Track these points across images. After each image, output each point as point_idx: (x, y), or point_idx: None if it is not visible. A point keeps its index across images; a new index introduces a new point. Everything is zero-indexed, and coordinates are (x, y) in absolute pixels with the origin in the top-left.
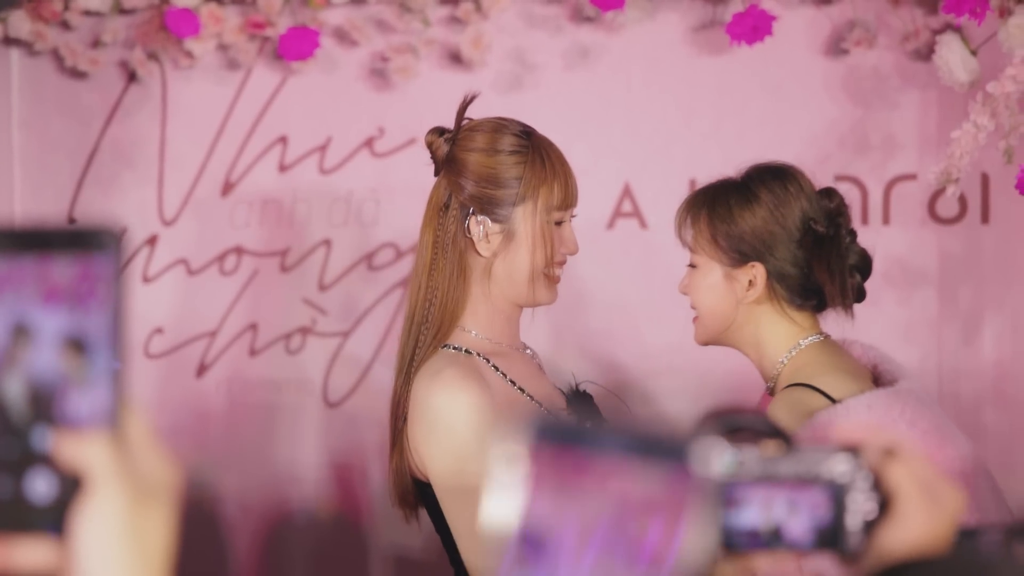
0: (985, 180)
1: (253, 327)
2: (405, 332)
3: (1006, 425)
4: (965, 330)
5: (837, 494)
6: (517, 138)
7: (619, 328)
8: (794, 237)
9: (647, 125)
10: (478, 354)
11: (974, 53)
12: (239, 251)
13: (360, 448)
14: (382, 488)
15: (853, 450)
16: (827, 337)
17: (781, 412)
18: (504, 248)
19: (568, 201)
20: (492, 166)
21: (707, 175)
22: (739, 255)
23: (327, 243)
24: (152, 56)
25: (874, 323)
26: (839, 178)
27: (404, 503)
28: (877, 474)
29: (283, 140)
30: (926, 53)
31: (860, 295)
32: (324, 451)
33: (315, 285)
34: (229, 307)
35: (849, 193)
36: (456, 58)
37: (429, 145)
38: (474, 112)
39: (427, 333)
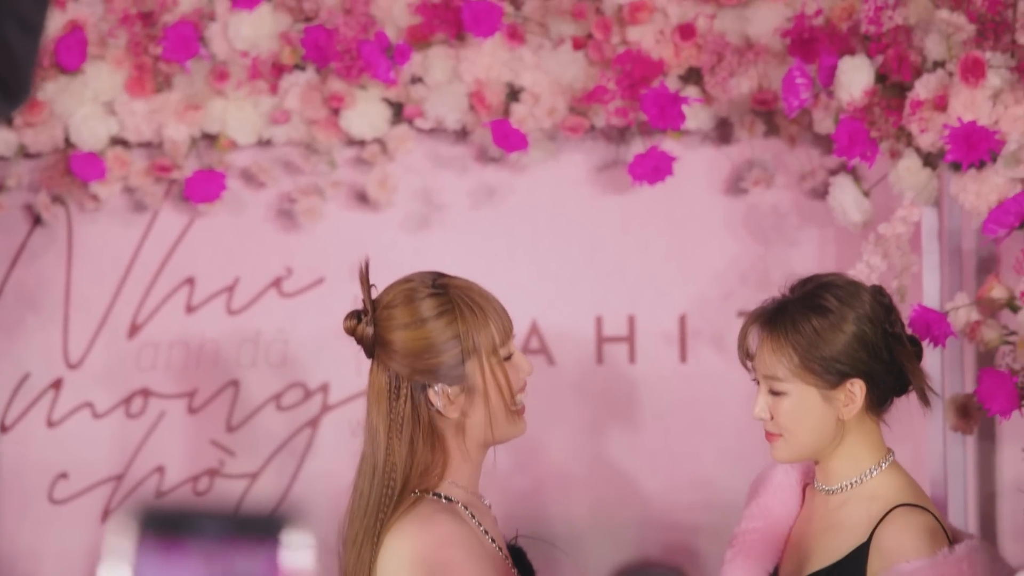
0: None
1: (160, 470)
2: (360, 509)
3: None
4: None
5: None
6: (435, 298)
7: (529, 465)
8: (881, 343)
9: (553, 263)
10: (458, 501)
11: (867, 194)
12: (145, 393)
13: None
14: None
15: None
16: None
17: (909, 532)
18: (470, 403)
19: (507, 333)
20: (426, 337)
21: (613, 311)
22: (835, 376)
23: (235, 384)
24: (57, 199)
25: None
26: (742, 314)
27: None
28: None
29: (190, 281)
30: (823, 192)
31: None
32: None
33: (223, 426)
34: (135, 450)
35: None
36: (363, 198)
37: (351, 332)
38: (382, 253)
39: (389, 506)
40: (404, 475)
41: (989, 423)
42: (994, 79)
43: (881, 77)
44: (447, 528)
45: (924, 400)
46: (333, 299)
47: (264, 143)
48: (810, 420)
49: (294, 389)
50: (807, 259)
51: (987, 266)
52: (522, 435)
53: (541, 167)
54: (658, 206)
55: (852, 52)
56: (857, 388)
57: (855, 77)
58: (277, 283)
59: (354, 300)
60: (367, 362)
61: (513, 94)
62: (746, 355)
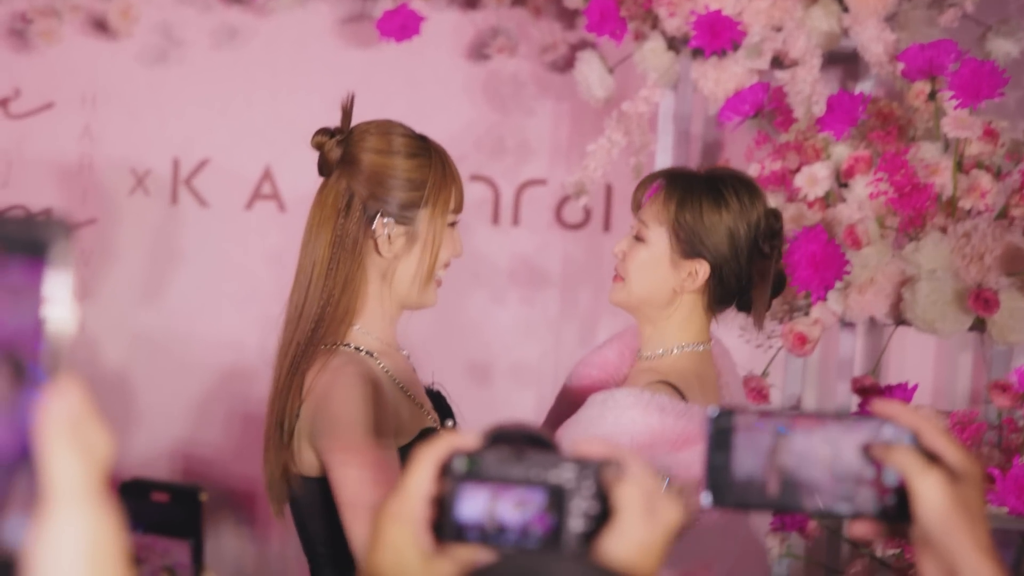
0: (609, 191)
1: None
2: (291, 329)
3: None
4: (582, 331)
5: (561, 499)
6: (413, 140)
7: (253, 309)
8: (744, 249)
9: (290, 110)
10: (368, 352)
11: (611, 71)
12: None
13: None
14: None
15: (581, 460)
16: (709, 345)
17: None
18: (405, 250)
19: (460, 206)
20: (409, 168)
21: None
22: (691, 248)
23: None
24: None
25: (498, 320)
26: (474, 178)
27: (278, 496)
28: (602, 483)
29: None
30: (563, 66)
31: (767, 308)
32: None
33: None
34: None
35: (482, 193)
36: (102, 26)
37: (319, 146)
38: (116, 84)
39: (323, 330)
40: (340, 303)
41: None
42: None
43: None
44: (355, 379)
45: (758, 324)
46: (62, 125)
47: None
48: (651, 273)
49: (16, 212)
50: (541, 129)
51: (711, 151)
52: (432, 306)
53: (287, 13)
54: (401, 64)
55: None
56: (702, 271)
57: None
58: (4, 103)
59: (83, 128)
60: (94, 192)
61: None
62: (637, 205)
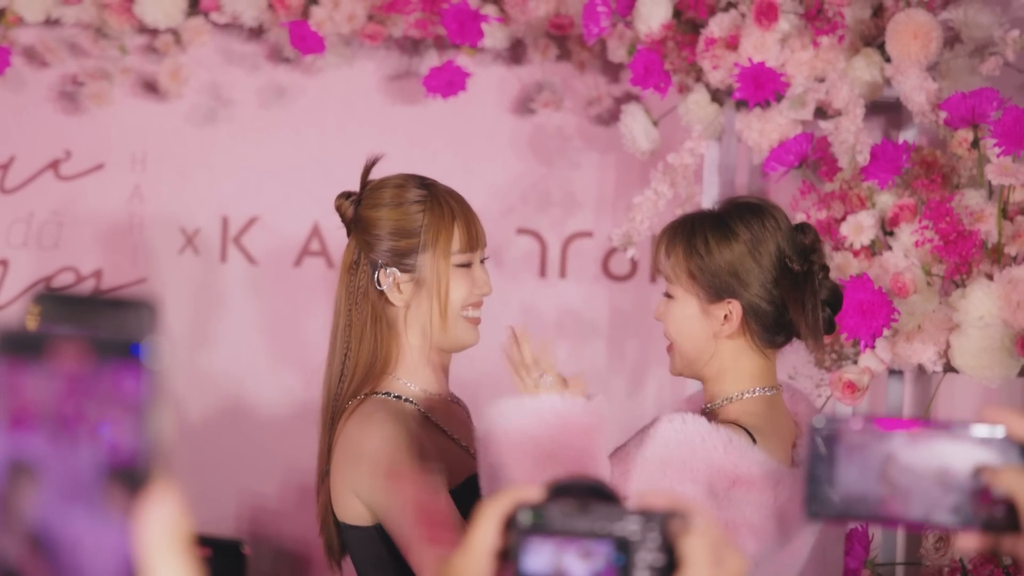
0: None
1: None
2: (325, 386)
3: None
4: (630, 382)
5: (626, 551)
6: (418, 190)
7: (303, 365)
8: (769, 274)
9: (338, 168)
10: (408, 400)
11: (656, 124)
12: None
13: None
14: None
15: (645, 511)
16: (778, 390)
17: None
18: (416, 296)
19: (472, 243)
20: (396, 218)
21: None
22: (715, 290)
23: (3, 263)
24: None
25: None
26: (521, 231)
27: (331, 549)
28: (668, 535)
29: None
30: (607, 119)
31: (830, 328)
32: None
33: None
34: None
35: (529, 246)
36: (151, 87)
37: (338, 208)
38: (166, 144)
39: (346, 384)
40: (359, 357)
41: None
42: (784, 23)
43: (677, 12)
44: (384, 422)
45: (810, 347)
46: (112, 185)
47: (52, 22)
48: (687, 327)
49: (65, 273)
50: (587, 181)
51: None
52: (474, 344)
53: (334, 71)
54: (446, 120)
55: None
56: (735, 310)
57: (654, 10)
58: (55, 165)
59: (133, 189)
60: (143, 252)
61: None
62: (657, 267)
